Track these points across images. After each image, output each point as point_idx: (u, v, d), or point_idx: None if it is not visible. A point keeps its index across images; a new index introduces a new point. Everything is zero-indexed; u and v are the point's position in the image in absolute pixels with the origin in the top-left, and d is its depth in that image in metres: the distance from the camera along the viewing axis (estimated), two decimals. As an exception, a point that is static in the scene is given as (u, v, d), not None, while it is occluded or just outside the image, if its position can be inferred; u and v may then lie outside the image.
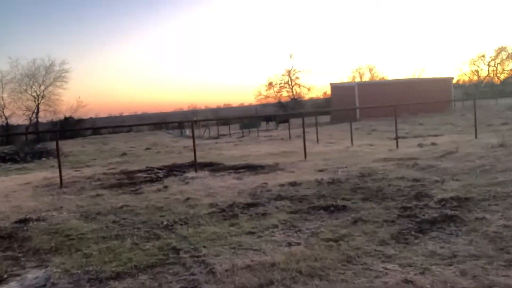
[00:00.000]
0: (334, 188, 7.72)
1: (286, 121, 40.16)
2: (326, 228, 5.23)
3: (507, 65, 73.45)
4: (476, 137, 14.31)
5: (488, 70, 72.74)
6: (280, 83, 67.09)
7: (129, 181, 10.69)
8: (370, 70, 71.45)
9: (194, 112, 61.12)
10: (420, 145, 13.18)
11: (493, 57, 72.41)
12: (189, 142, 26.67)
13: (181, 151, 18.39)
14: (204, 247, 4.82)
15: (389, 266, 3.89)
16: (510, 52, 71.94)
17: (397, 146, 13.28)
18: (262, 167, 11.20)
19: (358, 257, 4.16)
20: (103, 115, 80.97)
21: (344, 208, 6.14)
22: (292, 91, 66.57)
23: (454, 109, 34.85)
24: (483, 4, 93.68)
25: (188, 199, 7.64)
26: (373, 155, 11.92)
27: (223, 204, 7.00)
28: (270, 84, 67.17)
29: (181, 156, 15.87)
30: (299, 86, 66.27)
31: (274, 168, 10.90)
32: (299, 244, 4.71)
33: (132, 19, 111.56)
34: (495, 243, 4.26)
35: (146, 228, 5.87)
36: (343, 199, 6.73)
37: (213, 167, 11.93)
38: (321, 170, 9.93)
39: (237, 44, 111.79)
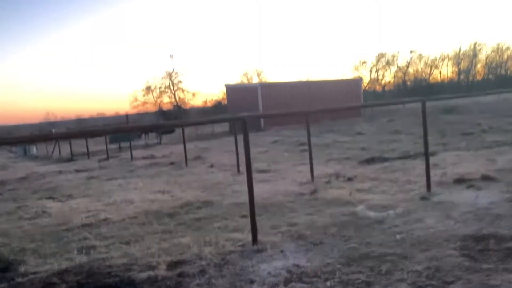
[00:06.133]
0: None
1: (172, 131, 32.04)
2: None
3: (387, 71, 75.31)
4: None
5: (370, 76, 73.41)
6: (160, 88, 58.49)
7: None
8: (258, 75, 66.65)
9: (52, 123, 48.67)
10: (473, 187, 6.46)
11: (374, 63, 73.46)
12: (26, 168, 17.10)
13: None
14: None
15: None
16: (388, 58, 73.91)
17: (428, 186, 6.34)
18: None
19: None
20: None
21: None
22: (175, 97, 58.43)
23: (366, 114, 30.45)
24: (364, 11, 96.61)
25: None
26: (433, 229, 4.86)
27: None
28: (148, 88, 58.19)
29: None
30: (183, 91, 58.42)
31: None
32: None
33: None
34: None
35: None
36: None
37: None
38: None
39: (110, 45, 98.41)
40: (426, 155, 6.29)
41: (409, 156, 9.84)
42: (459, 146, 11.20)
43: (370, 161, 9.73)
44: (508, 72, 71.94)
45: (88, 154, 19.29)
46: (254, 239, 4.49)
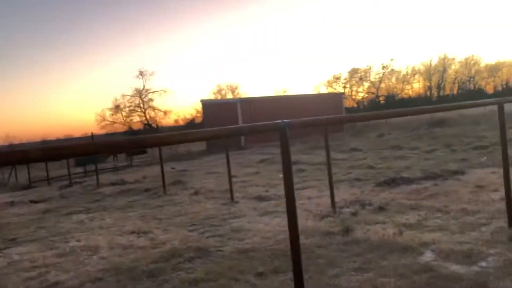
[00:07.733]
0: None
1: (143, 151, 29.88)
2: None
3: (360, 87, 75.21)
4: None
5: (344, 91, 73.09)
6: (130, 106, 56.06)
7: None
8: (233, 90, 65.11)
9: (12, 146, 45.18)
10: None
11: (347, 79, 73.35)
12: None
13: None
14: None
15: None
16: (361, 74, 73.91)
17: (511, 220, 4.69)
18: None
19: None
20: None
21: None
22: (145, 116, 56.08)
23: (349, 128, 29.18)
24: (335, 27, 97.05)
25: None
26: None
27: None
28: (117, 107, 55.62)
29: None
30: (154, 109, 56.16)
31: None
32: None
33: None
34: None
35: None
36: None
37: None
38: None
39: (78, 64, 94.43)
40: (507, 176, 4.57)
41: (437, 175, 8.23)
42: (482, 162, 9.73)
43: (391, 183, 8.05)
44: (476, 86, 73.16)
45: (48, 180, 16.92)
46: (305, 334, 2.64)
